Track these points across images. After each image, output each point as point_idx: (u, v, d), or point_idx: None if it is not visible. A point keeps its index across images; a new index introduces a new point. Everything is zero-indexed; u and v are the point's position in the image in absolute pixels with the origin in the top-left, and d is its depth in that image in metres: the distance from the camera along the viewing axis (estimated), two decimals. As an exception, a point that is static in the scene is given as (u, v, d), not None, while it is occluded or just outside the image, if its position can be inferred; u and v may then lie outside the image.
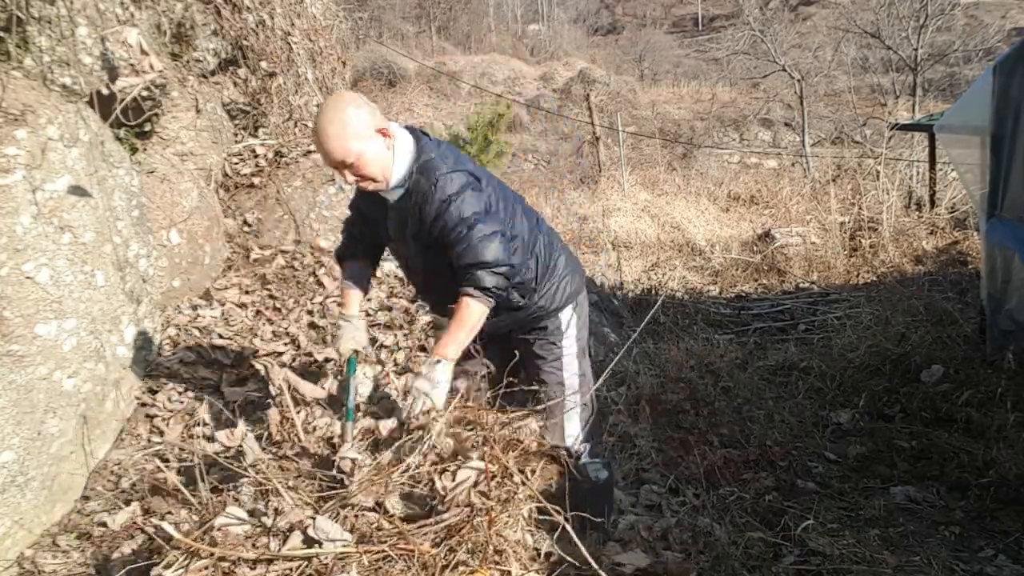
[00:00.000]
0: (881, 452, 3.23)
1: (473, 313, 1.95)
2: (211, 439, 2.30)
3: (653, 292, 6.34)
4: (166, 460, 2.49)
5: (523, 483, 1.75)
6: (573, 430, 2.29)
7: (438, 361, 1.95)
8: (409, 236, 2.07)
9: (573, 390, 2.30)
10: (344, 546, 1.54)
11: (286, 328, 3.47)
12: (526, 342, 2.31)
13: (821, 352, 4.51)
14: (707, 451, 3.08)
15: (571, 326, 2.30)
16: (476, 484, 1.70)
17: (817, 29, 26.29)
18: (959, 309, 4.47)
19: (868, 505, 2.74)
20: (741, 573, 2.11)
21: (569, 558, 1.69)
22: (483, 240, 1.94)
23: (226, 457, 2.11)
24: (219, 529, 1.58)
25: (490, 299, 1.96)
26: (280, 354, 3.28)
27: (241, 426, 2.21)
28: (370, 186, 1.99)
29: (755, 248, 9.25)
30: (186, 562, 1.49)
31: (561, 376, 2.30)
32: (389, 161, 1.96)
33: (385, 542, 1.56)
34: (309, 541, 1.57)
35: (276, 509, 1.64)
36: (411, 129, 2.09)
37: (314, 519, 1.59)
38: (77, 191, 2.52)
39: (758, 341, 5.30)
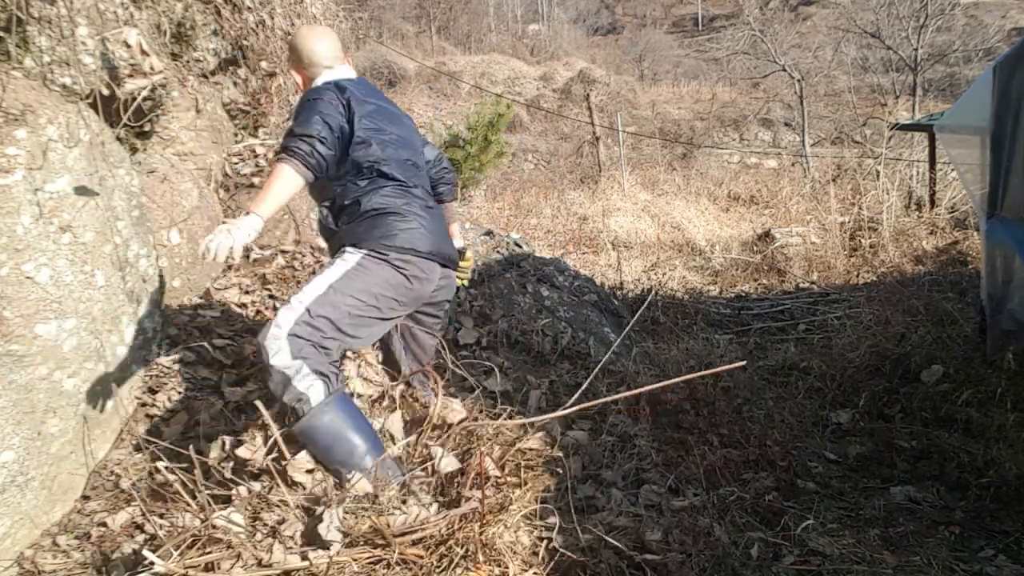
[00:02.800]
0: (881, 452, 3.22)
1: (277, 172, 2.15)
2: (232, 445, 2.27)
3: (653, 292, 6.34)
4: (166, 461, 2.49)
5: (517, 486, 1.76)
6: (283, 323, 2.10)
7: (247, 213, 2.06)
8: None
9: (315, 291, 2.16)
10: (336, 553, 1.55)
11: (286, 328, 3.47)
12: None
13: (821, 352, 4.51)
14: (707, 451, 3.08)
15: (356, 261, 2.25)
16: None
17: (817, 29, 26.28)
18: (959, 309, 4.47)
19: (868, 505, 2.73)
20: (741, 573, 2.11)
21: (567, 553, 1.69)
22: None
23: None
24: (218, 530, 1.58)
25: (292, 159, 2.13)
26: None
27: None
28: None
29: (755, 248, 9.26)
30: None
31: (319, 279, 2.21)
32: None
33: (379, 547, 1.57)
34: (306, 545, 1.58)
35: (278, 521, 1.65)
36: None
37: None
38: (78, 191, 2.53)
39: (758, 341, 5.30)
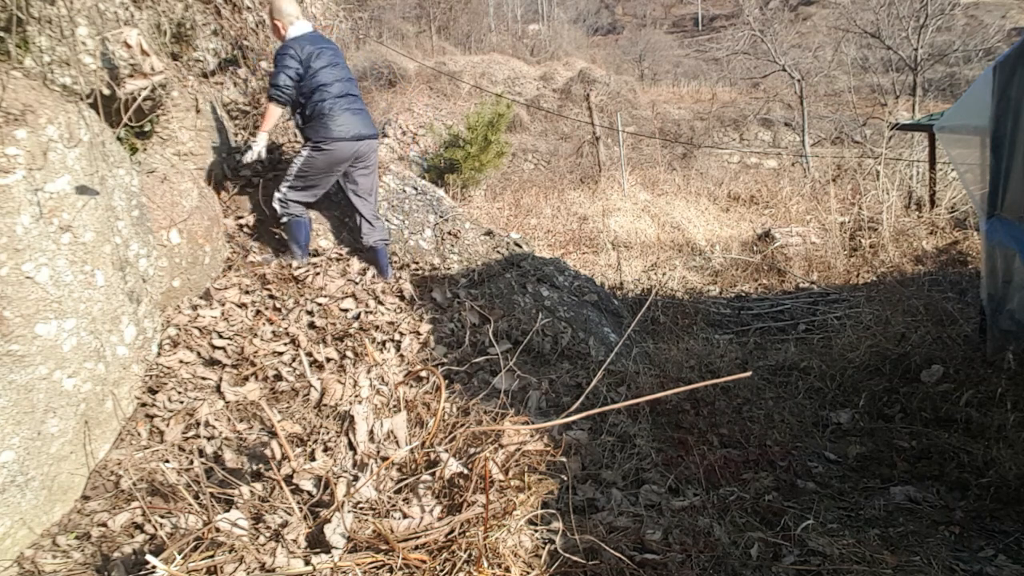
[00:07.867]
0: (881, 452, 3.22)
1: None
2: None
3: (653, 292, 6.34)
4: (166, 460, 2.49)
5: (520, 490, 1.76)
6: (281, 189, 4.11)
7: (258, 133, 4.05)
8: None
9: (294, 168, 4.11)
10: (339, 558, 1.54)
11: (286, 328, 3.47)
12: None
13: (821, 352, 4.51)
14: (707, 451, 3.08)
15: (307, 148, 4.09)
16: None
17: (817, 29, 26.28)
18: (959, 309, 4.47)
19: (868, 505, 2.73)
20: (741, 573, 2.11)
21: (568, 554, 1.69)
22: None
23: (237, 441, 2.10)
24: (220, 532, 1.58)
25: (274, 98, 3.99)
26: (280, 354, 3.28)
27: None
28: None
29: (755, 248, 9.25)
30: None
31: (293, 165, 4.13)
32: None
33: (382, 552, 1.56)
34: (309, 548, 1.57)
35: (281, 524, 1.64)
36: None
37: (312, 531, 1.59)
38: (78, 191, 2.52)
39: (758, 341, 5.30)
